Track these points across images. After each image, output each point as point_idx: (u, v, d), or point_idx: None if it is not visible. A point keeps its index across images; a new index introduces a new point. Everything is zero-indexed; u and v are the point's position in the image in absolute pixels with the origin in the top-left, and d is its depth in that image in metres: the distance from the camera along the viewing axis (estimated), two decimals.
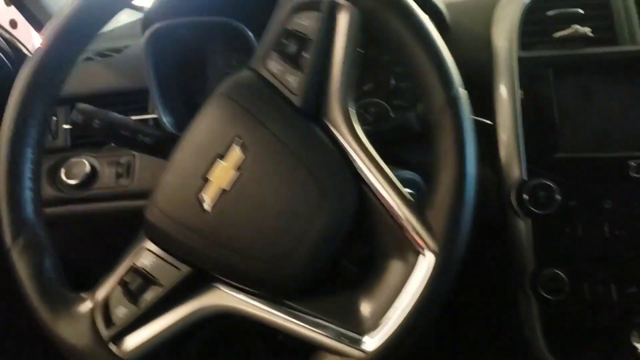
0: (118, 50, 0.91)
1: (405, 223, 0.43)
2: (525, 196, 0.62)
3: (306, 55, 0.46)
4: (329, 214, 0.44)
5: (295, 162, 0.45)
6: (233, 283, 0.47)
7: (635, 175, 0.61)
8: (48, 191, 0.79)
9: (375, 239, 0.45)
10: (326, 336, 0.44)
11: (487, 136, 0.69)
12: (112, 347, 0.46)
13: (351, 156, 0.46)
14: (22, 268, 0.48)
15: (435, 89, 0.43)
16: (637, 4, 0.68)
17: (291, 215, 0.44)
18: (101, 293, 0.48)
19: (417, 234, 0.42)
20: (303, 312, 0.45)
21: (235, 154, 0.46)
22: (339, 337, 0.43)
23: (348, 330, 0.43)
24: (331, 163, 0.45)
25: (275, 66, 0.47)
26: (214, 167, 0.46)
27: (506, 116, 0.67)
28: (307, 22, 0.46)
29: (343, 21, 0.45)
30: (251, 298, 0.47)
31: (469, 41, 0.77)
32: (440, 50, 0.44)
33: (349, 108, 0.47)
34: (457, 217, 0.42)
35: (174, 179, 0.48)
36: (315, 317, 0.45)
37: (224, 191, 0.46)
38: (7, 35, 1.06)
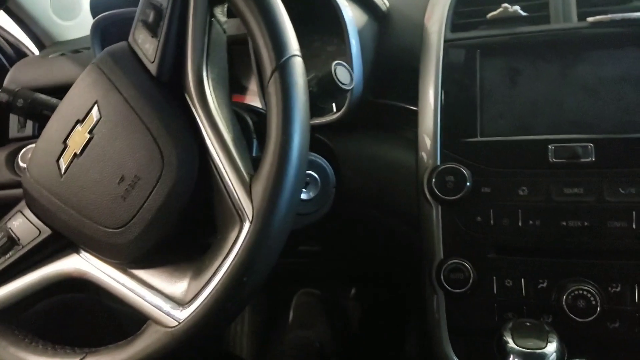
0: (88, 48, 0.96)
1: (233, 193, 0.42)
2: (433, 180, 0.58)
3: (161, 23, 0.46)
4: (169, 184, 0.43)
5: (142, 129, 0.45)
6: (87, 249, 0.48)
7: (554, 160, 0.55)
8: (6, 175, 0.84)
9: (213, 211, 0.44)
10: (152, 306, 0.43)
11: (413, 122, 0.66)
12: None
13: (199, 127, 0.45)
14: None
15: (265, 54, 0.41)
16: None
17: (132, 182, 0.44)
18: None
19: (241, 204, 0.41)
20: (140, 281, 0.45)
21: (91, 118, 0.47)
22: (160, 307, 0.42)
23: (170, 301, 0.42)
24: (177, 132, 0.45)
25: (139, 36, 0.48)
26: (73, 132, 0.47)
27: (427, 102, 0.64)
28: None
29: None
30: (101, 264, 0.47)
31: (406, 28, 0.74)
32: (273, 17, 0.42)
33: (205, 77, 0.46)
34: (276, 188, 0.39)
35: (42, 145, 0.50)
36: (148, 286, 0.44)
37: (75, 155, 0.46)
38: (11, 37, 1.15)
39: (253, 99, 0.82)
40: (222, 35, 0.49)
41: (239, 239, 0.40)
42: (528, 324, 0.45)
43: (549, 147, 0.56)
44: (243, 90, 0.84)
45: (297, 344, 0.96)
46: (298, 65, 0.42)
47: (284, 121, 0.40)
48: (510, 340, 0.44)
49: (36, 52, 1.10)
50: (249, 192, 0.41)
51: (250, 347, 1.10)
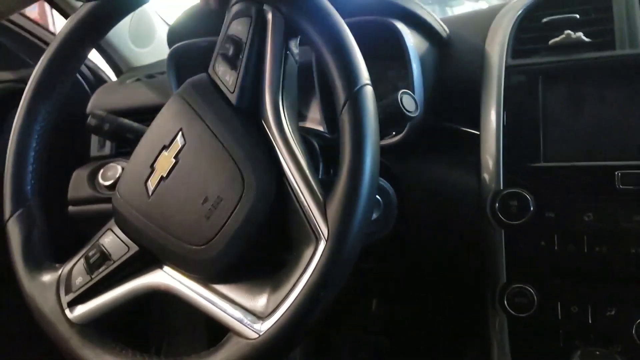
0: (162, 73, 1.03)
1: (309, 213, 0.45)
2: (496, 205, 0.59)
3: (241, 56, 0.50)
4: (248, 205, 0.47)
5: (224, 154, 0.49)
6: (171, 265, 0.52)
7: (621, 187, 0.55)
8: (87, 191, 0.91)
9: (289, 230, 0.47)
10: (233, 318, 0.46)
11: (475, 146, 0.67)
12: (67, 312, 0.53)
13: (276, 151, 0.48)
14: (13, 235, 0.57)
15: (339, 85, 0.44)
16: None
17: (215, 202, 0.48)
18: (69, 264, 0.56)
19: (317, 224, 0.44)
20: (221, 295, 0.48)
21: (177, 145, 0.51)
22: (241, 320, 0.45)
23: (250, 314, 0.45)
24: (256, 157, 0.48)
25: (219, 68, 0.52)
26: (160, 157, 0.52)
27: (489, 125, 0.65)
28: (241, 27, 0.50)
29: (270, 24, 0.49)
30: (185, 279, 0.51)
31: (467, 53, 0.76)
32: (345, 47, 0.45)
33: (280, 105, 0.50)
34: (350, 209, 0.42)
35: (132, 168, 0.55)
36: (229, 300, 0.47)
37: (162, 177, 0.51)
38: (90, 63, 1.25)
39: (313, 126, 0.85)
40: (295, 66, 0.53)
41: (315, 256, 0.43)
42: (598, 352, 0.45)
43: (616, 173, 0.56)
44: (302, 117, 0.88)
45: (357, 344, 0.97)
46: (369, 94, 0.45)
47: (357, 147, 0.43)
48: None
49: (113, 77, 1.19)
50: (324, 212, 0.44)
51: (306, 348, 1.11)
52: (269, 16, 0.49)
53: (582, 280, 0.55)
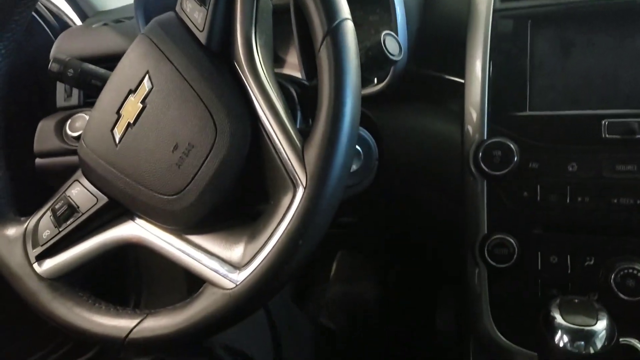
0: (131, 17, 0.96)
1: (286, 160, 0.42)
2: (479, 155, 0.57)
3: None
4: (222, 151, 0.44)
5: (194, 98, 0.46)
6: (143, 216, 0.49)
7: (607, 136, 0.54)
8: (55, 143, 0.87)
9: (265, 178, 0.45)
10: (208, 269, 0.44)
11: (459, 95, 0.65)
12: (36, 266, 0.51)
13: (250, 94, 0.45)
14: None
15: (316, 21, 0.41)
16: None
17: (186, 150, 0.45)
18: (35, 217, 0.53)
19: (294, 171, 0.41)
20: (196, 246, 0.46)
21: (144, 88, 0.48)
22: (217, 270, 0.44)
23: (227, 264, 0.43)
24: (229, 100, 0.45)
25: (187, 5, 0.48)
26: (126, 102, 0.48)
27: (474, 73, 0.62)
28: None
29: None
30: (157, 230, 0.49)
31: None
32: None
33: (253, 44, 0.46)
34: (329, 153, 0.40)
35: (97, 115, 0.51)
36: (204, 251, 0.45)
37: (129, 124, 0.48)
38: (54, 8, 1.17)
39: (291, 72, 0.82)
40: (269, 3, 0.49)
41: (293, 204, 0.41)
42: (576, 300, 0.45)
43: (603, 122, 0.54)
44: (280, 62, 0.84)
45: (341, 298, 0.98)
46: (350, 29, 0.42)
47: (337, 86, 0.40)
48: (558, 316, 0.43)
49: (78, 22, 1.11)
50: (301, 158, 0.41)
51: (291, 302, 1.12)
52: None
53: (563, 231, 0.55)
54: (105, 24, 0.97)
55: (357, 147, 0.60)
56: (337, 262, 1.08)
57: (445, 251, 0.76)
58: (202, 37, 0.47)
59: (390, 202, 0.71)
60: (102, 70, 0.67)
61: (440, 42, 0.72)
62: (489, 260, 0.56)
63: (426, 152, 0.67)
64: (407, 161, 0.67)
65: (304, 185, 0.40)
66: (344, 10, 0.42)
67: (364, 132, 0.62)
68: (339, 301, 1.00)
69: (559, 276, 0.54)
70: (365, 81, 0.59)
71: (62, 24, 1.17)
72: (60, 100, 0.92)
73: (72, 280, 0.50)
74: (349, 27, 0.42)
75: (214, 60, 0.47)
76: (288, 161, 0.42)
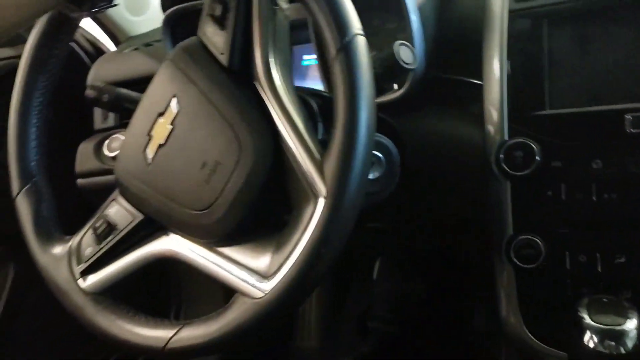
0: (160, 40, 1.01)
1: (307, 172, 0.44)
2: (501, 156, 0.58)
3: (228, 16, 0.49)
4: (247, 167, 0.46)
5: (219, 118, 0.48)
6: (176, 231, 0.52)
7: (631, 130, 0.53)
8: (94, 163, 0.92)
9: (289, 190, 0.47)
10: (238, 279, 0.46)
11: (479, 97, 0.65)
12: (80, 282, 0.54)
13: (270, 111, 0.48)
14: (23, 210, 0.58)
15: (329, 35, 0.43)
16: None
17: (214, 167, 0.48)
18: (79, 236, 0.57)
19: (314, 182, 0.43)
20: (226, 257, 0.48)
21: (172, 111, 0.51)
22: (247, 280, 0.46)
23: (255, 274, 0.46)
24: (251, 119, 0.48)
25: (208, 29, 0.51)
26: (156, 124, 0.51)
27: (492, 74, 0.63)
28: None
29: None
30: (190, 244, 0.51)
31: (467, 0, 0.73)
32: None
33: (272, 63, 0.48)
34: (346, 165, 0.41)
35: (130, 137, 0.54)
36: (234, 262, 0.48)
37: (160, 145, 0.51)
38: (89, 36, 1.24)
39: (313, 84, 0.84)
40: (285, 22, 0.51)
41: (315, 214, 0.42)
42: (605, 300, 0.45)
43: (626, 116, 0.54)
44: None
45: (387, 298, 0.99)
46: (362, 44, 0.43)
47: (350, 101, 0.42)
48: (586, 316, 0.43)
49: (112, 48, 1.17)
50: (321, 170, 0.43)
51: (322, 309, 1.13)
52: None
53: (590, 228, 0.54)
54: (136, 48, 1.02)
55: (379, 154, 0.62)
56: (379, 264, 1.08)
57: (474, 254, 0.76)
58: (223, 59, 0.50)
59: (415, 207, 0.72)
60: (134, 94, 0.71)
61: (458, 46, 0.72)
62: (516, 261, 0.56)
63: (449, 156, 0.67)
64: (430, 166, 0.68)
65: (325, 196, 0.42)
66: (355, 25, 0.43)
67: (385, 140, 0.63)
68: (385, 300, 1.01)
69: (588, 275, 0.53)
70: (384, 89, 0.60)
71: (98, 50, 1.23)
72: (98, 123, 0.98)
73: (114, 294, 0.54)
74: (361, 42, 0.43)
75: (236, 80, 0.49)
76: (308, 173, 0.44)
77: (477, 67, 0.67)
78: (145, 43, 1.03)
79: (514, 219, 0.57)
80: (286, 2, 0.50)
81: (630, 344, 0.41)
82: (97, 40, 1.25)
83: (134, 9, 1.12)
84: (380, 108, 0.70)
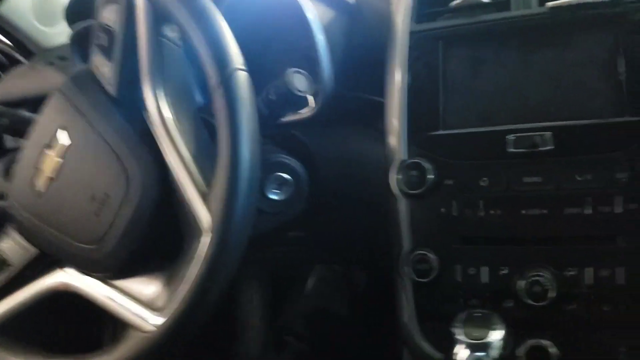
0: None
1: (193, 207, 0.45)
2: (398, 176, 0.60)
3: (114, 46, 0.48)
4: (135, 200, 0.46)
5: (107, 150, 0.48)
6: (69, 264, 0.51)
7: (512, 150, 0.57)
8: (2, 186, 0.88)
9: (179, 223, 0.47)
10: (130, 313, 0.46)
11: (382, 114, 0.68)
12: None
13: (158, 143, 0.48)
14: None
15: (210, 68, 0.43)
16: None
17: (103, 200, 0.47)
18: None
19: (201, 217, 0.44)
20: (120, 291, 0.48)
21: (60, 143, 0.50)
22: (138, 314, 0.46)
23: (148, 308, 0.46)
24: (140, 151, 0.48)
25: (96, 59, 0.50)
26: (43, 156, 0.50)
27: (393, 95, 0.65)
28: (111, 15, 0.48)
29: (140, 12, 0.47)
30: (83, 277, 0.51)
31: (374, 19, 0.75)
32: (213, 33, 0.44)
33: (161, 93, 0.48)
34: (229, 201, 0.42)
35: (18, 170, 0.53)
36: (127, 295, 0.48)
37: (51, 179, 0.50)
38: (1, 45, 1.18)
39: None
40: (177, 50, 0.51)
41: (200, 249, 0.43)
42: (479, 314, 0.48)
43: (507, 137, 0.57)
44: None
45: (311, 315, 1.00)
46: (242, 79, 0.44)
47: (232, 136, 0.43)
48: (457, 331, 0.47)
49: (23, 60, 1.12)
50: (208, 205, 0.44)
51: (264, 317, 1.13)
52: (139, 1, 0.47)
53: (479, 243, 0.57)
54: (51, 63, 0.98)
55: (287, 176, 0.63)
56: (310, 277, 1.10)
57: (380, 273, 0.78)
58: (112, 90, 0.49)
59: (327, 223, 0.74)
60: (34, 117, 0.69)
61: (366, 65, 0.75)
62: (413, 275, 0.58)
63: (355, 175, 0.69)
64: (338, 184, 0.69)
65: (210, 231, 0.43)
66: (235, 60, 0.44)
67: (292, 161, 0.65)
68: (309, 317, 1.02)
69: (477, 287, 0.57)
70: (279, 116, 0.61)
71: (13, 61, 1.18)
72: (10, 141, 0.93)
73: (8, 331, 0.52)
74: (241, 77, 0.44)
75: (125, 112, 0.49)
76: (195, 208, 0.44)
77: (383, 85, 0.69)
78: (60, 56, 1.00)
79: (412, 234, 0.60)
80: (174, 31, 0.50)
81: (495, 353, 0.45)
82: (12, 49, 1.19)
83: (43, 18, 1.08)
84: (293, 125, 0.72)
